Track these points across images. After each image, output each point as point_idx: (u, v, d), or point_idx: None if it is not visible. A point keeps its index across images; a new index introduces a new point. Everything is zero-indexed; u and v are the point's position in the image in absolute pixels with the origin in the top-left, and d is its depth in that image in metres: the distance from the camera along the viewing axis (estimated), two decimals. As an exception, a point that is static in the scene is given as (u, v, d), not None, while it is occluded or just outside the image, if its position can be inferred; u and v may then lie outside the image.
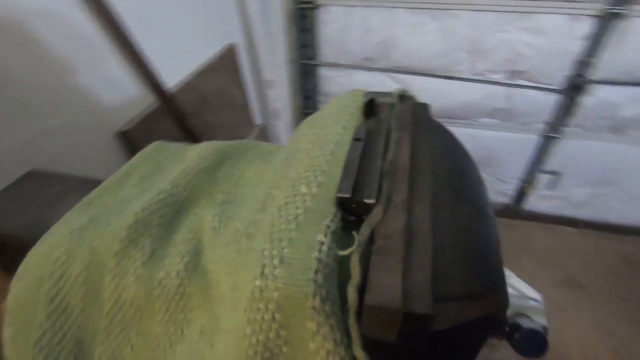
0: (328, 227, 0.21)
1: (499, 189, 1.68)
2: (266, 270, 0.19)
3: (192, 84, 1.26)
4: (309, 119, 0.33)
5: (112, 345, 0.27)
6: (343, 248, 0.21)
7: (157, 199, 0.30)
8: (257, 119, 1.73)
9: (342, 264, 0.20)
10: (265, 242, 0.20)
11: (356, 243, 0.21)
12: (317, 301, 0.18)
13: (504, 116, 1.47)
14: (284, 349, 0.19)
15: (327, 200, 0.23)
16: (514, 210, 1.70)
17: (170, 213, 0.31)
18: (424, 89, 1.51)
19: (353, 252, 0.20)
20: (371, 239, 0.20)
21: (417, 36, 1.42)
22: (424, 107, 0.33)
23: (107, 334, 0.27)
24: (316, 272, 0.19)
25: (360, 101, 0.32)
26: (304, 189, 0.23)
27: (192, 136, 0.94)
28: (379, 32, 1.46)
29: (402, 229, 0.20)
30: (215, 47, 1.42)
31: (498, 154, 1.57)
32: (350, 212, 0.23)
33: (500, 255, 0.25)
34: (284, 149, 0.31)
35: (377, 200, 0.22)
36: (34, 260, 0.27)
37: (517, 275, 0.42)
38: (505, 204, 1.71)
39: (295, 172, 0.25)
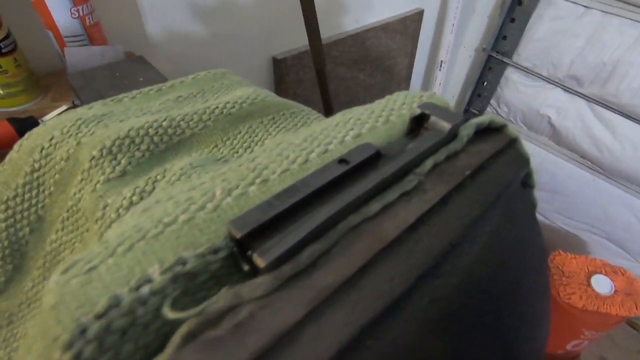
0: (181, 262, 0.14)
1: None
2: (71, 271, 0.13)
3: (363, 36, 1.22)
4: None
5: (63, 239, 0.27)
6: (194, 305, 0.13)
7: (159, 124, 0.28)
8: (411, 97, 1.60)
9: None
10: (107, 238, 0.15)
11: (189, 318, 0.13)
12: None
13: None
14: None
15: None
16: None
17: (163, 145, 0.28)
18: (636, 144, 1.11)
19: (175, 335, 0.12)
20: (220, 319, 0.12)
21: (664, 72, 1.01)
22: (517, 164, 0.20)
23: (62, 227, 0.27)
24: (84, 331, 0.12)
25: (412, 108, 0.21)
26: (217, 192, 0.16)
27: (325, 87, 0.92)
28: (607, 50, 1.09)
29: (273, 336, 0.11)
30: (403, 7, 1.32)
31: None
32: (245, 259, 0.15)
33: None
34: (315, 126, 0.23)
35: (272, 266, 0.13)
36: (40, 130, 0.27)
37: None
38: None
39: (246, 165, 0.18)
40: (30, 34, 0.65)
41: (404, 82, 1.55)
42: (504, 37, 1.35)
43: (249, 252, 0.14)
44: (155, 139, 0.27)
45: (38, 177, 0.27)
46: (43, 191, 0.28)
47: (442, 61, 1.45)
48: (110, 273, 0.13)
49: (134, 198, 0.24)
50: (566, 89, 1.25)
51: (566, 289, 1.04)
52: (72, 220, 0.27)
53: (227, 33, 0.92)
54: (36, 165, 0.27)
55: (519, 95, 1.40)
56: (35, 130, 0.28)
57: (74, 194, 0.27)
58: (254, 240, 0.14)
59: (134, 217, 0.17)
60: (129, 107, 0.31)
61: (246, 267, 0.14)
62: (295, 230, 0.14)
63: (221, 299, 0.13)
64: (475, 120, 0.19)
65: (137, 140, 0.27)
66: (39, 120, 0.58)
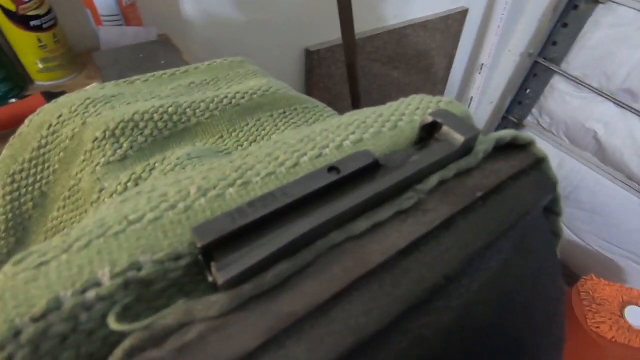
0: (136, 267, 0.12)
1: None
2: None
3: (401, 33, 1.17)
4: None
5: (64, 218, 0.27)
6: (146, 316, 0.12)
7: (164, 110, 0.27)
8: (446, 100, 1.54)
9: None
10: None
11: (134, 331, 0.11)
12: None
13: None
14: None
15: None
16: None
17: (167, 132, 0.27)
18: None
19: (117, 349, 0.11)
20: (166, 337, 0.11)
21: None
22: (540, 189, 0.17)
23: (63, 205, 0.27)
24: (17, 334, 0.11)
25: (426, 114, 0.19)
26: (192, 190, 0.14)
27: (355, 82, 0.89)
28: (671, 63, 1.00)
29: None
30: (447, 5, 1.26)
31: None
32: (209, 269, 0.13)
33: None
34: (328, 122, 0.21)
35: (231, 283, 0.12)
36: (50, 106, 0.27)
37: None
38: None
39: (237, 161, 0.16)
40: (70, 11, 0.67)
41: (441, 84, 1.49)
42: (554, 43, 1.26)
43: (213, 264, 0.12)
44: (160, 124, 0.27)
45: (44, 154, 0.27)
46: (48, 168, 0.28)
47: (483, 64, 1.38)
48: (58, 271, 0.12)
49: (129, 184, 0.23)
50: (618, 104, 1.15)
51: (595, 317, 0.97)
52: (73, 200, 0.27)
53: (262, 20, 0.92)
54: (43, 142, 0.27)
55: (564, 106, 1.31)
56: (46, 106, 0.28)
57: (76, 174, 0.27)
58: (218, 251, 0.12)
59: (110, 207, 0.16)
60: (139, 90, 0.30)
61: (210, 279, 0.13)
62: (264, 245, 0.12)
63: (171, 314, 0.11)
64: (496, 135, 0.17)
65: (141, 125, 0.26)
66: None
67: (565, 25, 1.22)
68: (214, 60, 0.35)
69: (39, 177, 0.28)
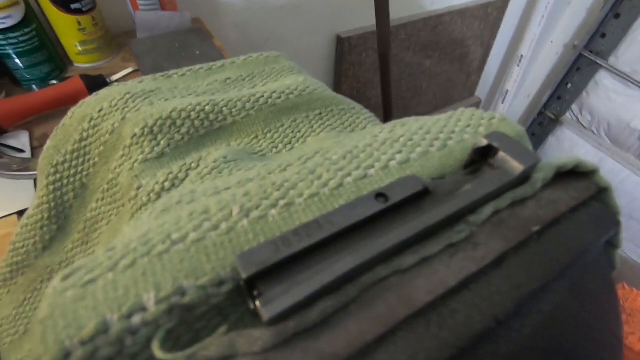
0: (180, 292, 0.12)
1: None
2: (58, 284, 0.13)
3: (436, 21, 1.13)
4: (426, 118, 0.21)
5: (102, 209, 0.28)
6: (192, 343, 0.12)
7: (201, 108, 0.27)
8: (480, 91, 1.48)
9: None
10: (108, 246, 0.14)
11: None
12: None
13: None
14: None
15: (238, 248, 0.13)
16: None
17: (203, 130, 0.27)
18: None
19: None
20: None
21: None
22: (602, 224, 0.15)
23: (102, 197, 0.28)
24: (67, 355, 0.11)
25: (478, 134, 0.18)
26: (235, 210, 0.14)
27: (386, 73, 0.86)
28: None
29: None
30: (485, -9, 1.19)
31: None
32: (251, 297, 0.13)
33: None
34: (371, 131, 0.21)
35: (275, 320, 0.11)
36: (91, 100, 0.28)
37: None
38: None
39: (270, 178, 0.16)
40: (109, -5, 0.67)
41: (475, 75, 1.43)
42: (603, 35, 1.18)
43: (255, 293, 0.12)
44: (197, 123, 0.27)
45: (85, 146, 0.28)
46: (88, 160, 0.28)
47: (522, 56, 1.31)
48: (105, 292, 0.12)
49: (166, 184, 0.24)
50: (670, 104, 1.07)
51: (624, 328, 0.94)
52: (111, 193, 0.28)
53: (295, 4, 0.90)
54: (84, 135, 0.28)
55: (608, 104, 1.23)
56: (87, 99, 0.29)
57: (115, 168, 0.27)
58: (262, 279, 0.12)
59: (151, 218, 0.16)
60: (176, 85, 0.30)
61: (252, 306, 0.12)
62: (310, 279, 0.12)
63: (214, 346, 0.11)
64: (557, 162, 0.16)
65: (179, 123, 0.26)
66: (107, 80, 0.60)
67: (617, 15, 1.13)
68: (250, 55, 0.34)
69: (79, 169, 0.28)
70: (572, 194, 0.16)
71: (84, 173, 0.28)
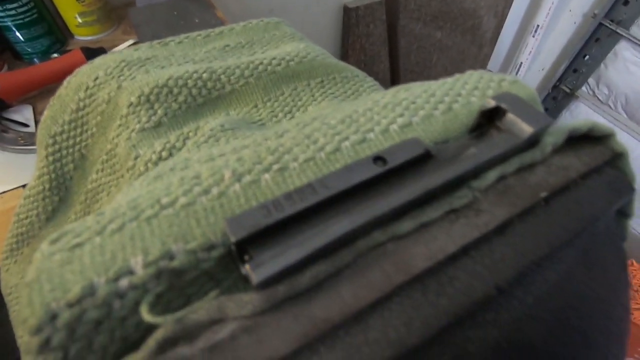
0: (168, 256, 0.12)
1: None
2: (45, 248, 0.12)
3: (442, -11, 1.08)
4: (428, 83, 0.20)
5: (102, 180, 0.28)
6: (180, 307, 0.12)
7: (198, 75, 0.26)
8: (492, 64, 1.43)
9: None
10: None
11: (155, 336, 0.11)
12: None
13: None
14: None
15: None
16: None
17: (201, 99, 0.26)
18: None
19: (150, 339, 0.11)
20: (198, 333, 0.11)
21: None
22: (615, 191, 0.15)
23: (102, 168, 0.28)
24: (53, 317, 0.11)
25: (486, 96, 0.17)
26: (227, 175, 0.13)
27: (395, 44, 0.83)
28: None
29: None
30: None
31: None
32: (243, 261, 0.13)
33: None
34: (376, 96, 0.19)
35: (265, 284, 0.11)
36: (86, 68, 0.27)
37: None
38: None
39: (273, 142, 0.15)
40: (107, -38, 0.65)
41: (488, 47, 1.37)
42: (625, 2, 1.11)
43: (246, 257, 0.12)
44: (194, 91, 0.26)
45: (82, 116, 0.27)
46: (86, 131, 0.28)
47: (538, 26, 1.25)
48: (92, 255, 0.11)
49: (163, 153, 0.23)
50: (693, 76, 1.02)
51: (631, 304, 0.94)
52: (110, 164, 0.27)
53: (299, -27, 0.86)
54: (81, 104, 0.27)
55: (627, 77, 1.18)
56: (82, 67, 0.28)
57: (113, 138, 0.27)
58: (252, 245, 0.12)
59: (143, 184, 0.16)
60: (173, 52, 0.29)
61: (243, 271, 0.12)
62: (301, 242, 0.11)
63: (203, 309, 0.11)
64: (570, 126, 0.15)
65: (175, 91, 0.25)
66: (109, 52, 0.59)
67: (641, -19, 1.07)
68: (250, 21, 0.33)
69: (78, 140, 0.28)
70: (585, 159, 0.15)
71: (83, 144, 0.28)
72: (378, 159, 0.13)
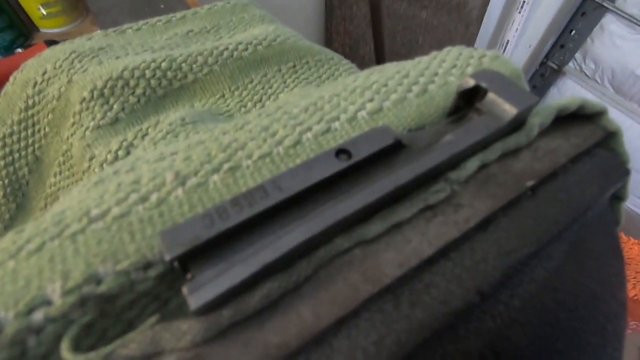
0: (94, 279, 0.10)
1: None
2: None
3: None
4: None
5: (61, 184, 0.26)
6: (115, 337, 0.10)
7: (157, 65, 0.24)
8: (479, 43, 1.40)
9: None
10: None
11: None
12: None
13: None
14: None
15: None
16: None
17: (161, 90, 0.24)
18: None
19: None
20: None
21: None
22: (608, 175, 0.13)
23: (59, 171, 0.25)
24: None
25: (465, 74, 0.15)
26: (169, 177, 0.12)
27: (378, 25, 0.81)
28: None
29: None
30: None
31: None
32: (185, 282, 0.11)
33: None
34: (351, 78, 0.18)
35: (204, 309, 0.09)
36: (34, 61, 0.25)
37: None
38: None
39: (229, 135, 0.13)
40: (67, -52, 0.61)
41: (474, 25, 1.35)
42: (611, -26, 1.09)
43: (188, 276, 0.10)
44: (152, 82, 0.24)
45: (32, 115, 0.25)
46: (38, 131, 0.25)
47: (524, 1, 1.23)
48: (2, 284, 0.10)
49: (120, 152, 0.21)
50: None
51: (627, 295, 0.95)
52: (68, 166, 0.25)
53: (276, -45, 0.83)
54: (29, 102, 0.25)
55: (613, 51, 1.17)
56: (29, 61, 0.25)
57: (67, 138, 0.24)
58: (194, 259, 0.10)
59: (82, 192, 0.14)
60: (130, 41, 0.27)
61: (185, 291, 0.10)
62: (251, 257, 0.10)
63: (134, 342, 0.09)
64: (558, 104, 0.13)
65: (132, 83, 0.23)
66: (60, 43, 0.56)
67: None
68: (215, 4, 0.30)
69: (30, 141, 0.26)
70: (574, 140, 0.13)
71: (36, 145, 0.26)
72: (341, 152, 0.11)
